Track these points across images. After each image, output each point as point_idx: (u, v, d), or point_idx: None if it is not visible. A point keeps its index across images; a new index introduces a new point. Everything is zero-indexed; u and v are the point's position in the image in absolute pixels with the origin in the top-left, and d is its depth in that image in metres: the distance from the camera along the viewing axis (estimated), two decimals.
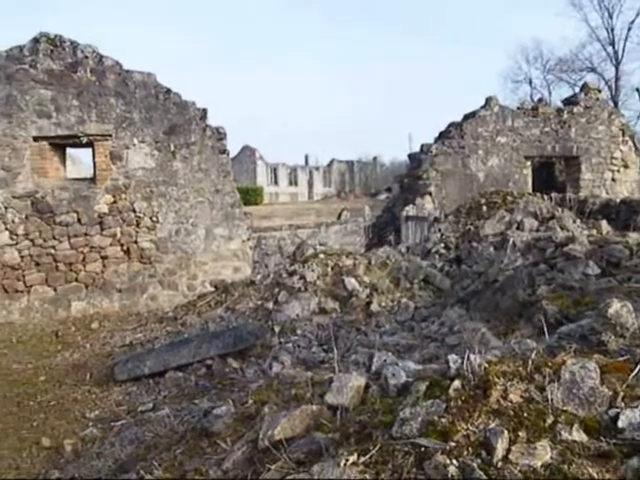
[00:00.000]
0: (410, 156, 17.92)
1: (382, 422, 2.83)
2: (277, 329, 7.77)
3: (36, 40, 11.48)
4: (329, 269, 8.96)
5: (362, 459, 2.52)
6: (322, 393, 3.57)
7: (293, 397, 3.82)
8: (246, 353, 7.22)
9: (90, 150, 12.14)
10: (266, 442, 3.11)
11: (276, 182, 63.47)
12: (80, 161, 26.84)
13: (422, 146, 16.32)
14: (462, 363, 2.92)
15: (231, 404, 4.25)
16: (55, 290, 11.42)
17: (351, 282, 8.51)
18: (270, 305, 8.47)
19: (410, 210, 14.64)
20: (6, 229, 11.23)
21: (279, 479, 2.77)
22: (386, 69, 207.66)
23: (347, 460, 2.53)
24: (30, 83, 11.37)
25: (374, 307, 8.06)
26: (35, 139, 11.44)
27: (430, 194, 15.35)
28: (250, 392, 4.91)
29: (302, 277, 8.80)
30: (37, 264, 11.34)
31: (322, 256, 9.28)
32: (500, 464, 2.26)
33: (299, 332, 7.77)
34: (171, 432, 5.14)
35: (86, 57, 11.60)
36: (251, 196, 47.03)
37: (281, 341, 7.55)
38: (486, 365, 2.83)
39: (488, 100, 16.42)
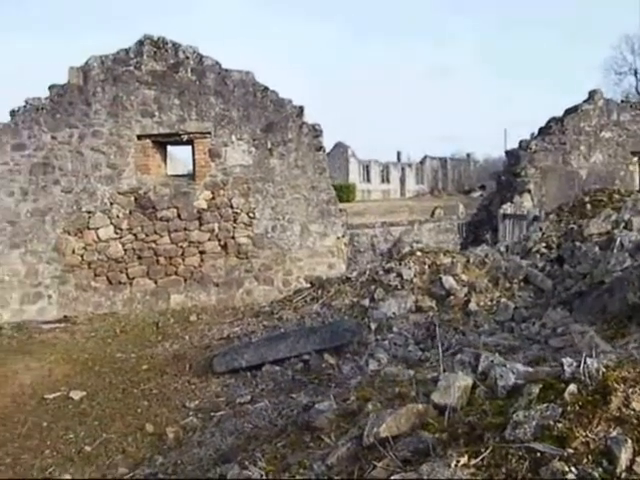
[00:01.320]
0: (508, 153, 17.44)
1: (493, 424, 2.75)
2: (373, 326, 7.73)
3: (141, 43, 11.94)
4: (426, 267, 8.83)
5: (473, 461, 2.47)
6: (427, 392, 3.52)
7: (397, 395, 3.78)
8: (342, 349, 7.22)
9: (184, 147, 12.55)
10: (371, 439, 3.09)
11: (368, 179, 63.16)
12: (176, 158, 27.69)
13: (521, 142, 15.85)
14: (578, 367, 2.80)
15: (332, 400, 4.25)
16: (156, 283, 11.85)
17: (449, 280, 8.35)
18: (366, 302, 8.43)
19: (508, 208, 14.26)
20: (111, 223, 11.75)
21: (386, 477, 2.75)
22: (480, 63, 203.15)
23: (458, 461, 2.49)
24: (135, 84, 11.84)
25: (472, 306, 7.87)
26: (139, 137, 11.91)
27: (529, 192, 14.90)
28: (350, 388, 4.91)
29: (399, 274, 8.72)
30: (139, 257, 11.81)
31: (419, 254, 9.16)
32: (624, 475, 2.15)
33: (395, 330, 7.69)
34: (270, 425, 5.21)
35: (187, 57, 11.95)
36: (344, 193, 46.95)
37: (377, 338, 7.49)
38: (604, 370, 2.70)
39: (592, 93, 15.76)
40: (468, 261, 9.01)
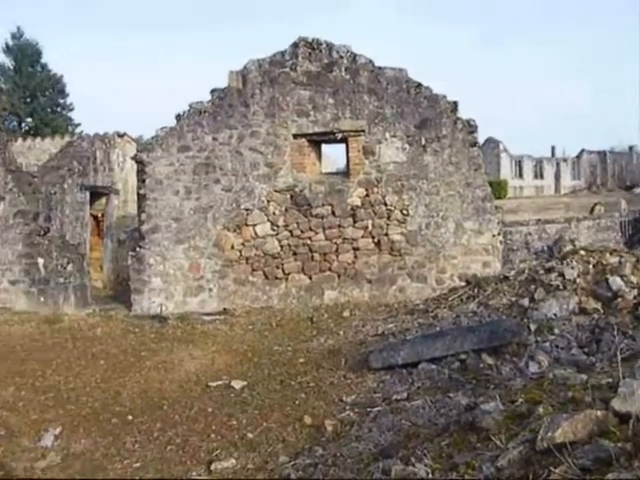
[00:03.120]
0: None
1: None
2: (533, 327, 7.43)
3: (295, 45, 12.28)
4: (590, 267, 8.36)
5: None
6: (604, 398, 3.32)
7: (569, 399, 3.60)
8: (500, 350, 7.00)
9: (333, 144, 12.87)
10: (545, 444, 2.96)
11: (520, 175, 60.77)
12: (325, 155, 28.19)
13: None
14: None
15: (498, 401, 4.11)
16: (310, 278, 12.11)
17: (616, 281, 7.85)
18: (525, 302, 8.13)
19: None
20: (268, 220, 12.17)
21: None
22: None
23: None
24: (290, 85, 12.19)
25: None
26: (295, 136, 12.24)
27: None
28: (514, 390, 4.74)
29: (560, 274, 8.33)
30: (294, 253, 12.12)
31: (582, 252, 8.70)
32: None
33: (557, 332, 7.36)
34: (430, 423, 5.15)
35: (341, 57, 12.13)
36: (495, 190, 45.43)
37: (537, 340, 7.20)
38: None
39: None
40: (638, 261, 8.44)
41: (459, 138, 11.82)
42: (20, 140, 23.30)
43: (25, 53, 39.59)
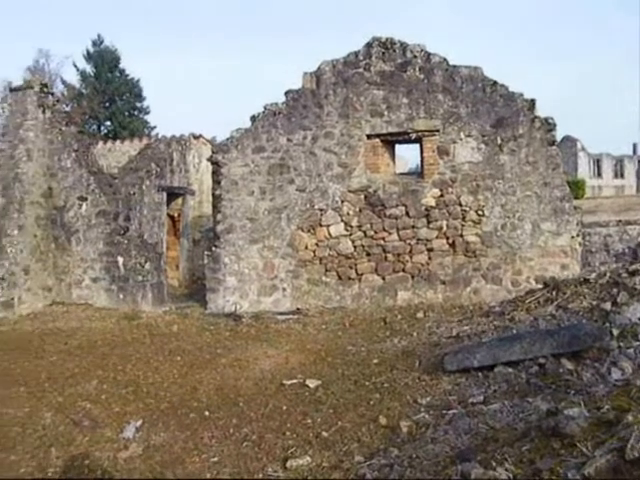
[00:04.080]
0: None
1: None
2: (615, 332, 7.16)
3: (369, 45, 12.28)
4: None
5: None
6: None
7: None
8: (581, 355, 6.77)
9: (403, 145, 12.83)
10: (636, 453, 2.86)
11: (599, 174, 58.69)
12: (400, 157, 28.01)
13: None
14: None
15: (583, 407, 3.99)
16: (383, 279, 12.06)
17: None
18: (607, 306, 7.84)
19: None
20: (342, 221, 12.21)
21: None
22: None
23: None
24: (364, 85, 12.20)
25: None
26: (368, 137, 12.25)
27: None
28: (598, 397, 4.60)
29: None
30: (368, 254, 12.11)
31: None
32: None
33: None
34: (509, 427, 5.04)
35: (415, 56, 12.05)
36: (572, 189, 44.00)
37: (620, 345, 6.92)
38: None
39: None
40: None
41: (536, 137, 11.53)
42: (101, 143, 24.11)
43: (104, 59, 41.02)
